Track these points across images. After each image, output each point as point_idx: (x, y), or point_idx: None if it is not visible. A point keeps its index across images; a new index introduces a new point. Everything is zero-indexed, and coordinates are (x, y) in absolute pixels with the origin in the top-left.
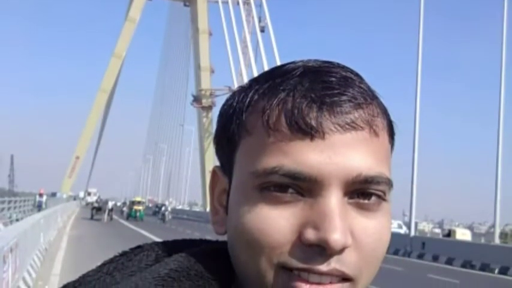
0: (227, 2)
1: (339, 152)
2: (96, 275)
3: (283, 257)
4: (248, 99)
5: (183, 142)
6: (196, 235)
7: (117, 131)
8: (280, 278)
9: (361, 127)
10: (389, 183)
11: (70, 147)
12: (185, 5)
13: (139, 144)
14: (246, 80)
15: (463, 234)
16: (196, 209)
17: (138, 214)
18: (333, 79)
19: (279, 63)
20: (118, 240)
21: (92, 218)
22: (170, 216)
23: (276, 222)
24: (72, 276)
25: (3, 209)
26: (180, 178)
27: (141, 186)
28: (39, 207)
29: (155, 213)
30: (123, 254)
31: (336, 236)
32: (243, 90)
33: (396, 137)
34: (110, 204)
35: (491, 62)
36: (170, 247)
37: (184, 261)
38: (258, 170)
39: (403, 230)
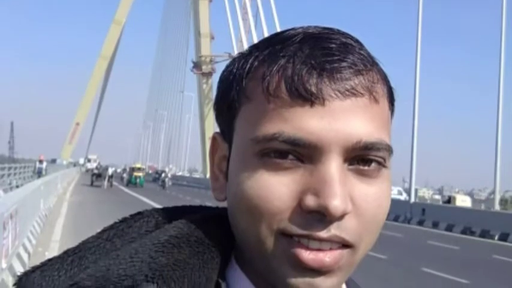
0: None
1: (339, 118)
2: (96, 241)
3: (283, 224)
4: (248, 66)
5: (183, 109)
6: (196, 202)
7: (118, 97)
8: (280, 244)
9: (361, 93)
10: (389, 149)
11: (70, 113)
12: None
13: (139, 110)
14: (246, 46)
15: (463, 201)
16: (196, 175)
17: (138, 180)
18: (333, 45)
19: (279, 30)
20: (118, 207)
21: (92, 184)
22: (170, 183)
23: (276, 188)
24: (72, 243)
25: (3, 175)
26: (180, 145)
27: (141, 153)
28: (39, 173)
29: (155, 180)
30: (123, 220)
31: (336, 202)
32: (243, 56)
33: (396, 104)
34: (110, 170)
35: (491, 28)
36: (170, 214)
37: (184, 227)
38: (258, 136)
39: (403, 197)
